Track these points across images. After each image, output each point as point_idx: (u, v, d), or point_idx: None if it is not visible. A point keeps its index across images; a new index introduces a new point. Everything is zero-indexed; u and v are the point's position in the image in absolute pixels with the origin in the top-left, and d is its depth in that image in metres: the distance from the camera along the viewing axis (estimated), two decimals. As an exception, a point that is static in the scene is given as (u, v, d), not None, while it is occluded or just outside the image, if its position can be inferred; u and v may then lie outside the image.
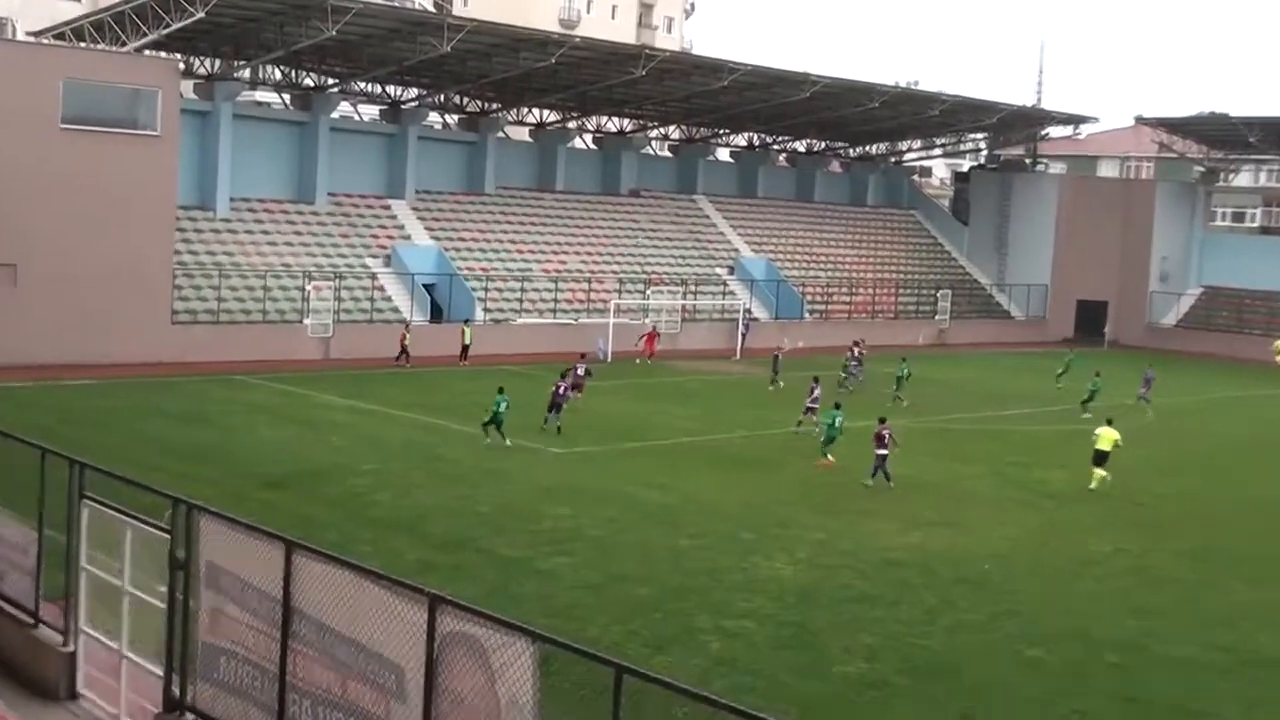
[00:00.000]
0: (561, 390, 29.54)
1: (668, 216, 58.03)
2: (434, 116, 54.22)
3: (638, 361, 44.68)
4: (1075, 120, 66.02)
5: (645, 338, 45.88)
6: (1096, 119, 66.29)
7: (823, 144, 67.23)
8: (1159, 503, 24.65)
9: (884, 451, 24.33)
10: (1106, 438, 25.48)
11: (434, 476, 23.62)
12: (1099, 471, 25.26)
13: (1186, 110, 65.93)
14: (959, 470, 27.10)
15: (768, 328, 52.87)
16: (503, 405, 26.75)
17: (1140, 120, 69.26)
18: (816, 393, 31.21)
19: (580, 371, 33.56)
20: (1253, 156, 67.57)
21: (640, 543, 19.55)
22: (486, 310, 46.24)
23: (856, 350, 40.62)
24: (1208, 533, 22.26)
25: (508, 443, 26.09)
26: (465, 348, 41.88)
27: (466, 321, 42.71)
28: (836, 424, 26.20)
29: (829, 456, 26.10)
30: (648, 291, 50.58)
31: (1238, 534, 22.29)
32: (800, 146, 66.87)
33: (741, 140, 64.34)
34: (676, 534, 20.12)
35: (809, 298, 56.99)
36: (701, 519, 21.21)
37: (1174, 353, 59.41)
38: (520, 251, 50.53)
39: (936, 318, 60.66)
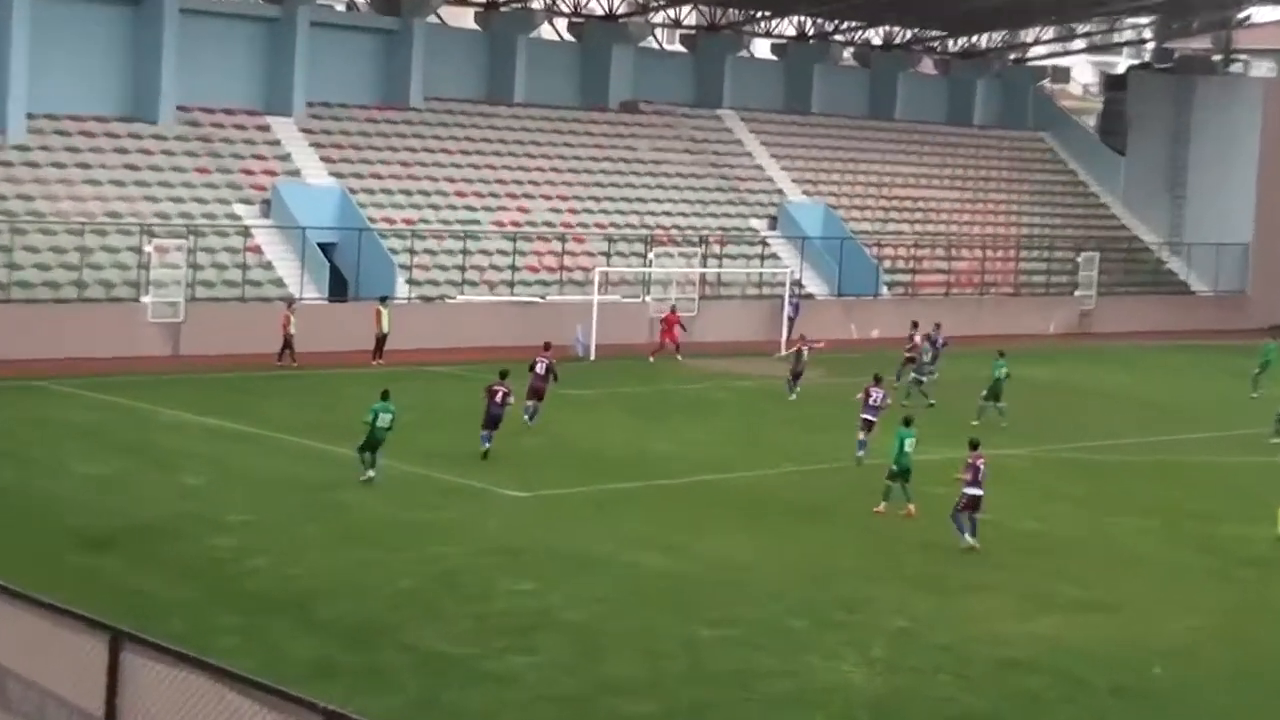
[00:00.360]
0: (499, 398, 29.62)
1: (679, 142, 58.32)
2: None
3: (651, 359, 44.87)
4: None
5: (664, 323, 46.15)
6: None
7: (908, 33, 67.46)
8: None
9: (977, 492, 24.48)
10: None
11: (335, 532, 23.80)
12: None
13: None
14: (1111, 523, 27.26)
15: (827, 308, 53.16)
16: (383, 417, 26.81)
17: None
18: (878, 398, 31.30)
19: (540, 370, 33.30)
20: None
21: (639, 632, 19.72)
22: (412, 283, 46.49)
23: (934, 335, 41.49)
24: None
25: (371, 473, 26.22)
26: (381, 339, 42.14)
27: (383, 300, 42.99)
28: (907, 448, 26.40)
29: (909, 503, 26.32)
30: (649, 255, 50.89)
31: None
32: (875, 37, 67.09)
33: (788, 28, 64.56)
34: (692, 620, 20.29)
35: (887, 264, 57.24)
36: (729, 597, 21.39)
37: None
38: (462, 195, 50.82)
39: (1076, 294, 61.02)
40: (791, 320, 49.56)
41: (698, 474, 29.70)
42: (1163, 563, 24.64)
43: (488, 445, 29.65)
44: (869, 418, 31.18)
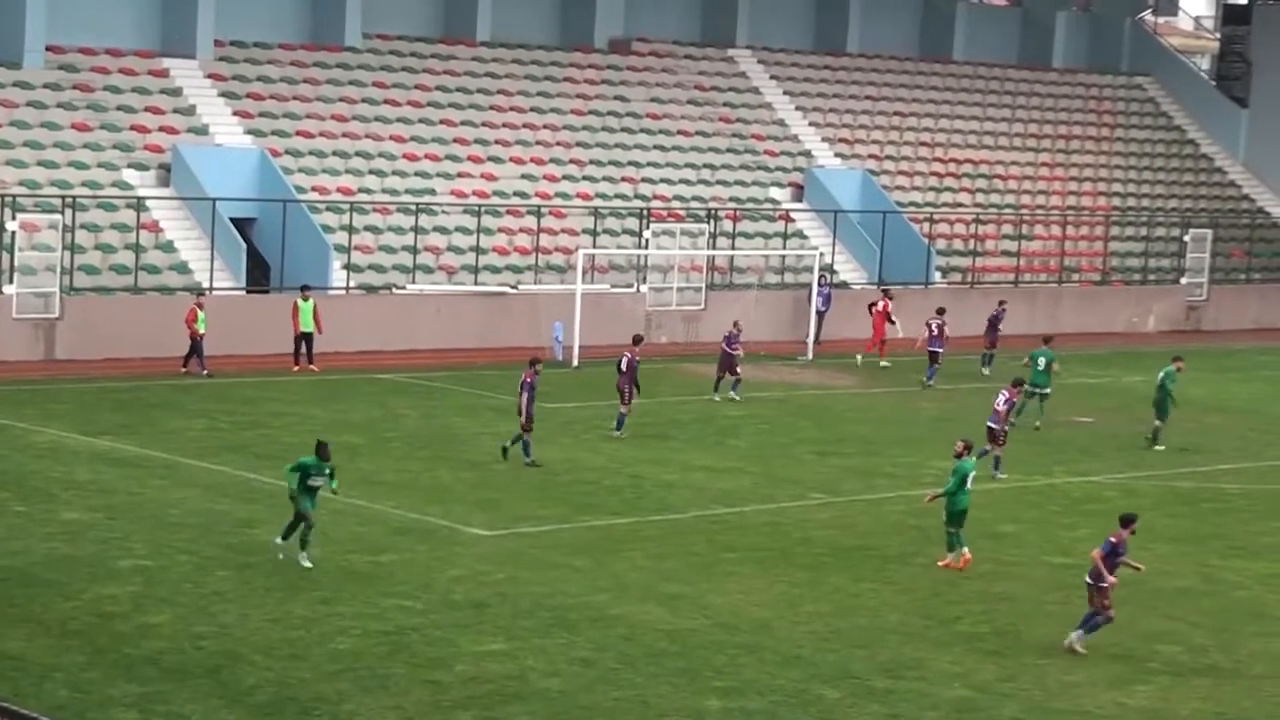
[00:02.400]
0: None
1: (682, 91, 58.63)
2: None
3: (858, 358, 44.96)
4: None
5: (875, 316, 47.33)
6: None
7: (972, -47, 67.83)
8: None
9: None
10: None
11: (256, 581, 23.94)
12: None
13: None
14: (1224, 568, 27.61)
15: (865, 298, 53.35)
16: (312, 480, 25.03)
17: None
18: (1006, 400, 33.18)
19: (623, 366, 35.97)
20: None
21: (633, 704, 19.91)
22: (352, 269, 46.75)
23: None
24: None
25: (306, 562, 24.78)
26: (303, 340, 42.46)
27: (304, 291, 43.34)
28: (968, 483, 26.70)
29: (962, 550, 26.66)
30: (645, 234, 51.21)
31: None
32: (930, -42, 67.47)
33: (820, -53, 64.90)
34: (699, 688, 20.52)
35: (941, 244, 57.56)
36: (744, 660, 21.60)
37: None
38: (413, 159, 51.10)
39: (1184, 281, 61.42)
40: (821, 315, 49.96)
41: (705, 508, 29.92)
42: (1285, 617, 24.99)
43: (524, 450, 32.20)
44: (997, 426, 33.10)
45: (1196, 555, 28.23)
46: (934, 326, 44.53)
